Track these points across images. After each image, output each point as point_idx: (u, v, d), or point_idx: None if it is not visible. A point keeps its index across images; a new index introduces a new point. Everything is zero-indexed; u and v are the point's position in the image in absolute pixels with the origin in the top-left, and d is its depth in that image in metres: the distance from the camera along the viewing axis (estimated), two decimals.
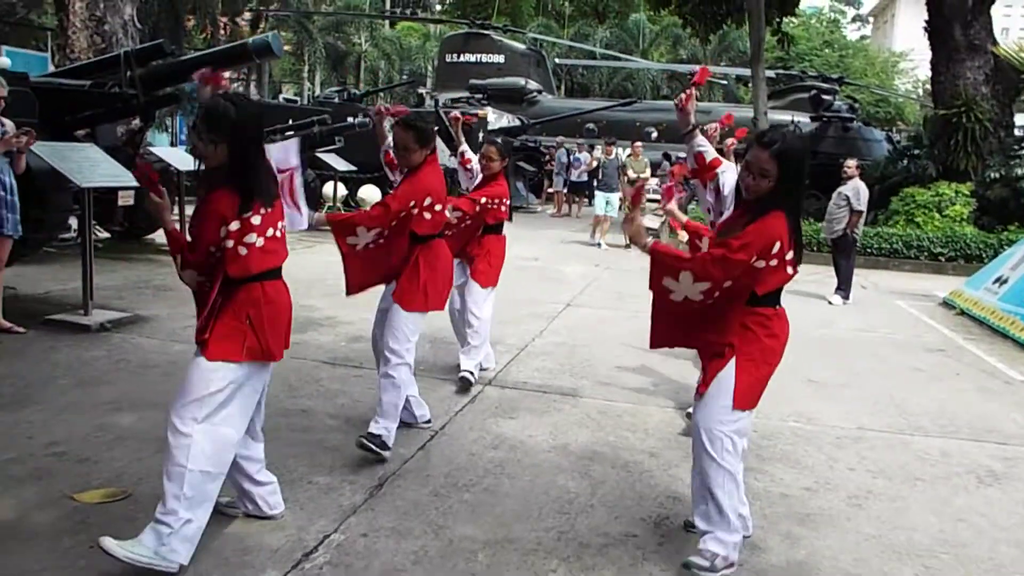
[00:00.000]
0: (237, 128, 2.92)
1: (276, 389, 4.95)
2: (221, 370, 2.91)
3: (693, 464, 3.18)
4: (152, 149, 10.72)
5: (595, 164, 21.40)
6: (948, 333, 8.58)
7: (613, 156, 16.47)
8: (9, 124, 5.92)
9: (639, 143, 16.00)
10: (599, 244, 14.93)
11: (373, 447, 3.97)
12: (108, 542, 2.76)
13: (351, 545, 3.19)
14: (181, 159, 10.58)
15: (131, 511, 3.28)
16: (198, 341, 2.97)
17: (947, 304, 10.21)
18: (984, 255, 13.18)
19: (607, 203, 15.49)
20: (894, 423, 5.26)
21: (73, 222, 8.59)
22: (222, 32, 31.81)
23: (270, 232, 3.00)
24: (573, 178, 22.24)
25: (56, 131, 8.50)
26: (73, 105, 9.40)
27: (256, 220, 2.94)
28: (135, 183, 7.17)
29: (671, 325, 3.13)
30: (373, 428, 4.02)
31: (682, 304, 2.97)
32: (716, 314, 3.01)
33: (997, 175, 15.01)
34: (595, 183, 18.45)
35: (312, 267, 9.12)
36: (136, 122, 11.59)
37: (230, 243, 2.90)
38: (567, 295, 9.22)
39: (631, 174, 15.81)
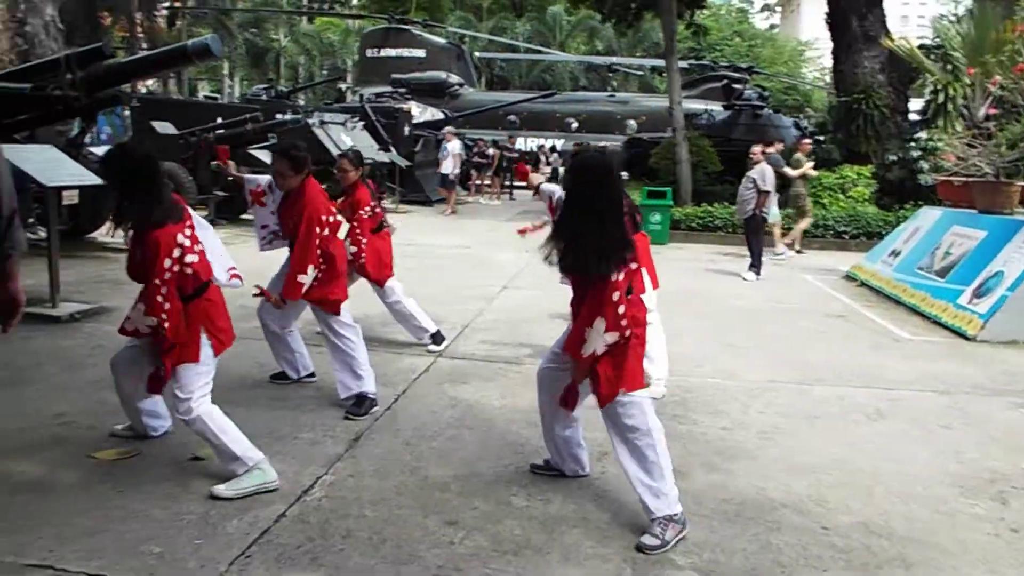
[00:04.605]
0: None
1: (248, 366, 5.45)
2: None
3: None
4: (92, 150, 10.91)
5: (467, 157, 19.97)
6: (849, 302, 9.46)
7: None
8: None
9: (807, 140, 14.44)
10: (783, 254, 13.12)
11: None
12: (218, 489, 3.53)
13: (342, 483, 3.74)
14: None
15: (145, 465, 3.79)
16: None
17: (849, 277, 11.15)
18: (884, 232, 14.18)
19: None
20: (798, 376, 6.03)
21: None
22: (139, 29, 31.43)
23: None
24: (443, 170, 20.01)
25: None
26: (13, 108, 9.59)
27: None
28: (95, 181, 7.51)
29: None
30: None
31: None
32: None
33: (895, 158, 16.12)
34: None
35: (253, 260, 9.51)
36: (74, 125, 11.76)
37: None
38: (502, 279, 9.82)
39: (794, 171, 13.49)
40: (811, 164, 13.59)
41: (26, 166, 6.50)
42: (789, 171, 13.13)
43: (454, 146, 19.66)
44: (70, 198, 8.74)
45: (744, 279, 10.70)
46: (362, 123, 19.73)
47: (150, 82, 32.52)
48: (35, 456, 3.86)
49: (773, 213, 12.89)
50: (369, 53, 36.47)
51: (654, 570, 3.12)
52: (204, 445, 3.99)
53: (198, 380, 3.64)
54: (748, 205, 10.87)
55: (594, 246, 3.28)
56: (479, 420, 4.73)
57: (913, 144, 16.05)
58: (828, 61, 20.47)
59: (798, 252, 13.64)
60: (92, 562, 2.92)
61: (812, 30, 57.37)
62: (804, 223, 13.97)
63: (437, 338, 6.37)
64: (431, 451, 4.21)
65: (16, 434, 4.15)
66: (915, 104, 18.99)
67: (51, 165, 6.81)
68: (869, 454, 4.46)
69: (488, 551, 3.19)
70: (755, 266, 10.88)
